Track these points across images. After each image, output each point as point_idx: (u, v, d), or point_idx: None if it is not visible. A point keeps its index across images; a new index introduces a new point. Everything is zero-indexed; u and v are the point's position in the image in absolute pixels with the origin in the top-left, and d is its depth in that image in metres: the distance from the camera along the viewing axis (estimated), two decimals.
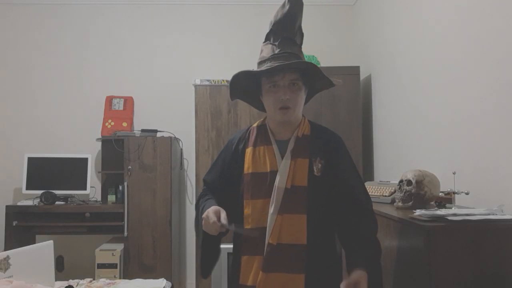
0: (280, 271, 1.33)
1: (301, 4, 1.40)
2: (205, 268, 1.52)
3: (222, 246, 1.59)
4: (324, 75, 1.39)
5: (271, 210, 1.36)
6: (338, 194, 1.41)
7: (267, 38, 1.43)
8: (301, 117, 1.47)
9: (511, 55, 1.70)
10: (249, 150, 1.44)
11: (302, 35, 1.44)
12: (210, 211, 1.33)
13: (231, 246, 1.51)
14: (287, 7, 1.38)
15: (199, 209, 1.49)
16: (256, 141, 1.45)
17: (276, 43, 1.38)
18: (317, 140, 1.44)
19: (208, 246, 1.48)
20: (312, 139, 1.44)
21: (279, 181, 1.37)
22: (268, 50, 1.39)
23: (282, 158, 1.40)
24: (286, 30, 1.39)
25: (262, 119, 1.52)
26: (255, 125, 1.52)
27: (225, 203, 1.42)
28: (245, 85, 1.47)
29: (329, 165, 1.41)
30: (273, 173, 1.39)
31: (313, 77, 1.42)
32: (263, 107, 1.51)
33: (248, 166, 1.42)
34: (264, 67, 1.36)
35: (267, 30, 1.44)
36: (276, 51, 1.36)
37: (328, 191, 1.40)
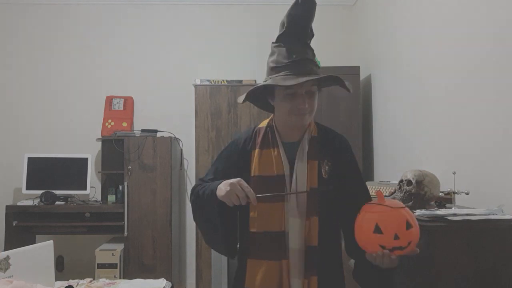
0: (314, 274, 1.32)
1: (314, 4, 1.35)
2: (230, 247, 1.46)
3: None
4: (345, 84, 1.38)
5: (291, 213, 1.33)
6: (344, 198, 1.39)
7: (279, 40, 1.38)
8: None
9: None
10: (256, 152, 1.42)
11: (312, 35, 1.41)
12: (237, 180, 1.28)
13: None
14: (300, 8, 1.33)
15: (200, 191, 1.43)
16: (263, 143, 1.43)
17: (292, 47, 1.34)
18: (324, 142, 1.43)
19: (225, 224, 1.41)
20: (319, 141, 1.43)
21: (300, 185, 1.35)
22: (283, 55, 1.34)
23: (289, 160, 1.39)
24: (299, 33, 1.35)
25: (268, 119, 1.49)
26: (261, 125, 1.49)
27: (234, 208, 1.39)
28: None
29: (336, 167, 1.40)
30: (280, 177, 1.37)
31: (328, 82, 1.40)
32: (266, 107, 1.49)
33: (255, 169, 1.40)
34: (282, 74, 1.32)
35: (275, 30, 1.39)
36: (293, 57, 1.32)
37: (335, 192, 1.38)
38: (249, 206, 1.37)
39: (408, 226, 1.18)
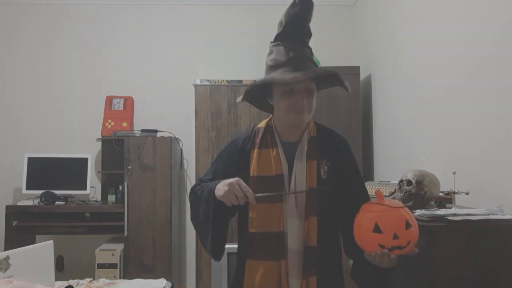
0: (313, 274, 1.32)
1: (312, 4, 1.36)
2: (217, 249, 1.44)
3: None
4: (343, 82, 1.38)
5: (290, 213, 1.33)
6: (343, 198, 1.39)
7: (277, 39, 1.39)
8: None
9: None
10: (255, 152, 1.42)
11: (310, 35, 1.42)
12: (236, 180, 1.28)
13: (231, 246, 1.49)
14: (298, 7, 1.33)
15: (199, 191, 1.43)
16: (262, 142, 1.42)
17: (290, 46, 1.34)
18: (323, 142, 1.43)
19: (218, 224, 1.40)
20: (319, 141, 1.42)
21: (298, 185, 1.35)
22: (281, 53, 1.35)
23: (288, 161, 1.38)
24: (297, 32, 1.36)
25: (267, 120, 1.49)
26: (260, 125, 1.49)
27: (230, 209, 1.39)
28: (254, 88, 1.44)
29: (335, 167, 1.40)
30: (279, 176, 1.37)
31: (326, 80, 1.40)
32: (265, 108, 1.49)
33: (253, 169, 1.39)
34: (279, 71, 1.32)
35: (275, 30, 1.40)
36: (291, 55, 1.33)
37: (334, 192, 1.38)
38: (248, 206, 1.36)
39: (408, 225, 1.18)
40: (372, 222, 1.20)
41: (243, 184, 1.27)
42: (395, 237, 1.17)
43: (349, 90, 1.40)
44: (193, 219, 1.51)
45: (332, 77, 1.38)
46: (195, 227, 1.51)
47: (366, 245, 1.23)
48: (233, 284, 1.47)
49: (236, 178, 1.28)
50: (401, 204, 1.26)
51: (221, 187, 1.29)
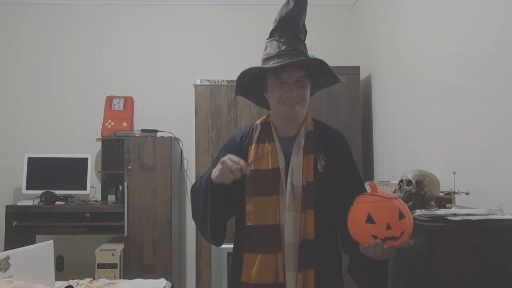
0: (310, 268, 1.33)
1: (306, 2, 1.39)
2: (217, 233, 1.46)
3: (223, 246, 1.57)
4: (332, 71, 1.39)
5: (287, 207, 1.34)
6: (340, 193, 1.40)
7: (271, 35, 1.42)
8: (305, 114, 1.47)
9: None
10: (252, 147, 1.44)
11: (305, 32, 1.44)
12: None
13: (230, 246, 1.49)
14: (292, 4, 1.37)
15: (198, 185, 1.46)
16: (259, 138, 1.45)
17: (282, 40, 1.37)
18: (321, 137, 1.44)
19: (217, 209, 1.42)
20: (316, 136, 1.44)
21: (295, 179, 1.36)
22: (274, 47, 1.38)
23: (284, 155, 1.40)
24: (291, 27, 1.39)
25: (265, 116, 1.51)
26: (258, 122, 1.51)
27: (227, 198, 1.40)
28: (248, 82, 1.46)
29: (332, 162, 1.41)
30: (275, 170, 1.38)
31: (318, 74, 1.42)
32: (264, 103, 1.50)
33: (251, 163, 1.41)
34: (271, 63, 1.35)
35: (271, 27, 1.43)
36: (282, 48, 1.36)
37: (330, 187, 1.39)
38: (245, 202, 1.39)
39: (401, 216, 1.18)
40: (365, 212, 1.19)
41: (234, 157, 1.30)
42: (388, 227, 1.17)
43: (342, 81, 1.42)
44: (194, 215, 1.52)
45: (324, 69, 1.39)
46: (196, 222, 1.53)
47: (359, 237, 1.23)
48: (231, 279, 1.48)
49: (227, 155, 1.31)
50: (394, 195, 1.26)
51: (216, 169, 1.33)
